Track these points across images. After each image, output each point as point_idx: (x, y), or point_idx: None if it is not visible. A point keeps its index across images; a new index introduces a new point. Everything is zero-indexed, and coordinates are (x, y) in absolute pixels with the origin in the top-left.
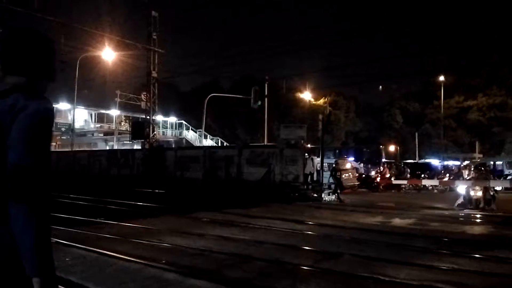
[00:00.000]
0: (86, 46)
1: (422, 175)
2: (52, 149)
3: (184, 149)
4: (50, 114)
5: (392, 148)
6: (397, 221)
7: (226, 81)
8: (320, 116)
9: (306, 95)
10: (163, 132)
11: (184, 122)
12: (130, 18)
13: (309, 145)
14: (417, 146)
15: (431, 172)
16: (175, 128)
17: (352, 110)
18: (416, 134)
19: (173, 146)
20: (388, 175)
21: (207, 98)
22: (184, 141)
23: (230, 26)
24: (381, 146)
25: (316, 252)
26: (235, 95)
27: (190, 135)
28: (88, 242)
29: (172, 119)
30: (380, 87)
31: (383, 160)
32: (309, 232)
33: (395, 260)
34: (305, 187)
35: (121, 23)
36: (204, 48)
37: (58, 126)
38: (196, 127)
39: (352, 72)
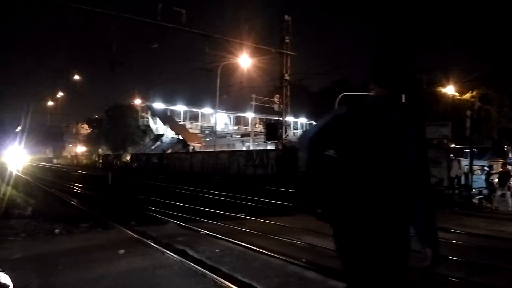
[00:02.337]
0: (226, 55)
1: None
2: (198, 149)
3: None
4: (424, 124)
5: None
6: None
7: (357, 78)
8: (468, 112)
9: (449, 89)
10: (294, 133)
11: (314, 122)
12: (264, 24)
13: (454, 145)
14: None
15: None
16: (305, 129)
17: (506, 105)
18: None
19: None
20: None
21: (338, 98)
22: None
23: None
24: None
25: (466, 263)
26: (367, 93)
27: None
28: (233, 236)
29: (302, 119)
30: None
31: None
32: (457, 242)
33: None
34: (450, 191)
35: (257, 30)
36: (334, 47)
37: (203, 129)
38: None
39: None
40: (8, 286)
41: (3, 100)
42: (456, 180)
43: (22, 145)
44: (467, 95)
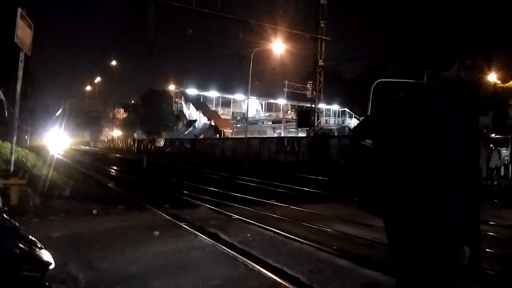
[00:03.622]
0: (260, 40)
1: None
2: (229, 135)
3: (348, 137)
4: (478, 111)
5: None
6: None
7: (393, 65)
8: (511, 101)
9: (491, 77)
10: (326, 120)
11: (347, 110)
12: (299, 9)
13: (494, 135)
14: None
15: None
16: (338, 116)
17: None
18: None
19: (336, 134)
20: None
21: (374, 85)
22: (346, 129)
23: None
24: None
25: (503, 256)
26: (403, 80)
27: (353, 122)
28: (264, 221)
29: (335, 107)
30: None
31: None
32: (495, 234)
33: None
34: (489, 182)
35: (291, 15)
36: (371, 33)
37: (234, 115)
38: (359, 115)
39: None
40: (51, 263)
41: (44, 85)
42: (495, 171)
43: (63, 128)
44: (511, 83)
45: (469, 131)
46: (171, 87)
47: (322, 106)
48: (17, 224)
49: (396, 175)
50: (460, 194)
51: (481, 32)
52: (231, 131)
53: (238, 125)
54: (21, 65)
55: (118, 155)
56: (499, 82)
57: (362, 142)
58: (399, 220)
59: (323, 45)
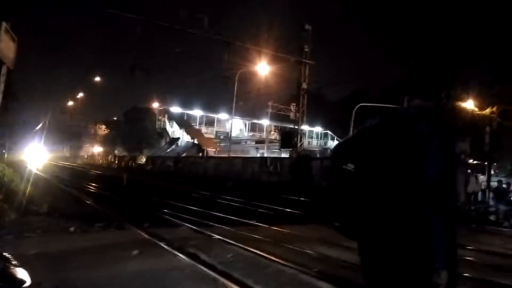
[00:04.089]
0: (245, 62)
1: None
2: (212, 154)
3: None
4: (455, 140)
5: None
6: None
7: (375, 90)
8: (488, 128)
9: (469, 104)
10: (309, 141)
11: (329, 132)
12: (284, 32)
13: (472, 161)
14: None
15: None
16: (320, 138)
17: None
18: None
19: (318, 155)
20: None
21: (356, 108)
22: (328, 151)
23: (380, 33)
24: None
25: (480, 281)
26: (384, 105)
27: (334, 145)
28: (245, 242)
29: (318, 129)
30: None
31: None
32: (471, 258)
33: None
34: (467, 207)
35: (276, 38)
36: (356, 57)
37: (218, 134)
38: (341, 137)
39: None
40: (25, 281)
41: (24, 99)
42: (473, 196)
43: (42, 144)
44: (487, 111)
45: (447, 160)
46: (155, 105)
47: (305, 127)
48: None
49: (381, 200)
50: (439, 221)
51: (459, 62)
52: (214, 150)
53: (221, 144)
54: (2, 78)
55: (98, 172)
56: (476, 109)
57: (343, 166)
58: (380, 243)
59: (307, 69)
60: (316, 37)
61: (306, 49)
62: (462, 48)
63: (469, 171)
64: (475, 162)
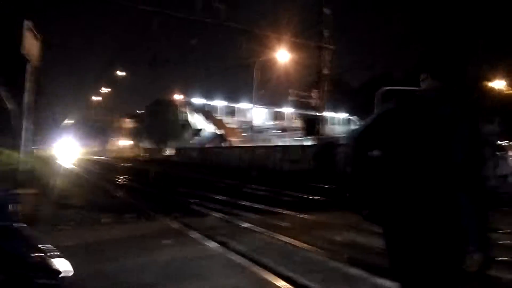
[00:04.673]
0: (264, 49)
1: None
2: (236, 144)
3: None
4: (479, 121)
5: None
6: None
7: (400, 72)
8: None
9: (498, 83)
10: (332, 128)
11: (352, 118)
12: (303, 18)
13: (504, 143)
14: None
15: None
16: (344, 124)
17: None
18: None
19: (341, 142)
20: None
21: (380, 92)
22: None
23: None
24: None
25: None
26: (409, 87)
27: (351, 131)
28: (273, 229)
29: (341, 115)
30: None
31: None
32: (506, 242)
33: None
34: (499, 191)
35: (295, 24)
36: (377, 41)
37: (240, 124)
38: None
39: None
40: (70, 271)
41: (50, 96)
42: (504, 178)
43: (72, 138)
44: None
45: (474, 143)
46: (177, 97)
47: (328, 114)
48: (30, 233)
49: (409, 185)
50: (469, 204)
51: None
52: (237, 139)
53: (244, 134)
54: (28, 76)
55: (125, 165)
56: (505, 88)
57: (368, 153)
58: (409, 228)
59: (326, 54)
60: (336, 21)
61: (325, 34)
62: (488, 26)
63: (498, 153)
64: (506, 143)
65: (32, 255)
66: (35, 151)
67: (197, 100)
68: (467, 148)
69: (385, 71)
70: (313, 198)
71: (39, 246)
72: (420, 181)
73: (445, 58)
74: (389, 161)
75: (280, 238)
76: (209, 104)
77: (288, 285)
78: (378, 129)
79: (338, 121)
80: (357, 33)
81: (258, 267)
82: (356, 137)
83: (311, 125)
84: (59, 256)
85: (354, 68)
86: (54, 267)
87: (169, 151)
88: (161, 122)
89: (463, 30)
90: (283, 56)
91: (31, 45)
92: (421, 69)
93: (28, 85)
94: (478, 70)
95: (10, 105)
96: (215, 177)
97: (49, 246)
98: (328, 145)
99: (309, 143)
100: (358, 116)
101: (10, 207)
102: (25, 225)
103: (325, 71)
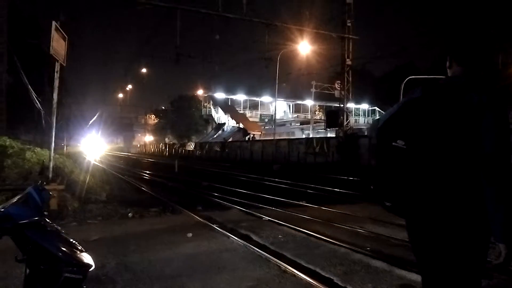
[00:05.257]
0: (286, 42)
1: None
2: (258, 137)
3: None
4: (507, 109)
5: None
6: None
7: (423, 61)
8: None
9: None
10: (355, 119)
11: (377, 108)
12: (324, 9)
13: None
14: None
15: None
16: (367, 115)
17: None
18: None
19: (365, 133)
20: None
21: (404, 82)
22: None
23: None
24: None
25: None
26: (434, 76)
27: (374, 121)
28: (295, 223)
29: (364, 106)
30: None
31: None
32: None
33: None
34: None
35: (317, 15)
36: (400, 30)
37: (262, 117)
38: None
39: None
40: (91, 265)
41: (77, 94)
42: None
43: (98, 135)
44: None
45: (502, 132)
46: (200, 92)
47: (351, 105)
48: (58, 227)
49: (436, 175)
50: (495, 194)
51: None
52: (259, 133)
53: (266, 127)
54: (56, 75)
55: (150, 160)
56: None
57: (393, 144)
58: (435, 220)
59: (350, 44)
60: (358, 10)
61: (348, 24)
62: None
63: None
64: None
65: (62, 249)
66: (64, 148)
67: (220, 95)
68: (494, 138)
69: (409, 61)
70: (337, 190)
71: (67, 240)
72: (446, 171)
73: (472, 44)
74: (414, 151)
75: (303, 231)
76: (232, 99)
77: (308, 279)
78: (403, 119)
79: (362, 112)
80: (380, 23)
81: (280, 260)
82: (380, 127)
83: (334, 117)
84: (81, 250)
85: (378, 57)
86: (83, 261)
87: (192, 146)
88: (184, 117)
89: (490, 16)
90: (305, 48)
91: (59, 45)
92: (447, 55)
93: (56, 84)
94: (506, 56)
95: (39, 104)
96: (238, 171)
97: (71, 240)
98: (351, 137)
99: (333, 135)
100: (382, 107)
101: (39, 202)
102: (54, 219)
103: (349, 62)
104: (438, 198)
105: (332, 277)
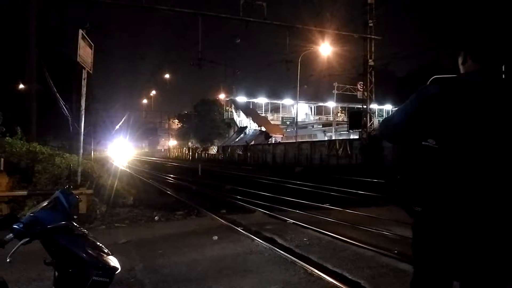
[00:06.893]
0: (306, 44)
1: None
2: (280, 140)
3: None
4: None
5: None
6: None
7: (448, 60)
8: None
9: None
10: (379, 120)
11: None
12: (346, 10)
13: None
14: None
15: None
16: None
17: None
18: None
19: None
20: None
21: (429, 81)
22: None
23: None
24: None
25: None
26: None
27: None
28: (320, 226)
29: (388, 107)
30: None
31: None
32: None
33: None
34: None
35: (338, 16)
36: (423, 29)
37: (284, 120)
38: None
39: None
40: (118, 268)
41: (104, 100)
42: None
43: (125, 140)
44: None
45: None
46: (222, 96)
47: (374, 106)
48: (86, 231)
49: (483, 179)
50: None
51: None
52: (281, 136)
53: (288, 130)
54: (84, 82)
55: (174, 164)
56: None
57: (423, 143)
58: (478, 227)
59: (372, 45)
60: (380, 9)
61: (370, 24)
62: None
63: None
64: None
65: (89, 252)
66: (92, 153)
67: (241, 99)
68: None
69: (433, 60)
70: (362, 193)
71: (94, 243)
72: (493, 174)
73: (489, 40)
74: (452, 151)
75: (328, 234)
76: (253, 102)
77: (335, 282)
78: (428, 116)
79: (385, 113)
80: (403, 22)
81: (306, 263)
82: (401, 126)
83: (357, 118)
84: (108, 254)
85: (401, 57)
86: (110, 264)
87: (214, 150)
88: (206, 121)
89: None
90: (326, 49)
91: (85, 53)
92: (461, 51)
93: (83, 91)
94: None
95: (67, 111)
96: (260, 174)
97: (99, 243)
98: (375, 138)
99: (356, 137)
100: None
101: (67, 206)
102: (83, 223)
103: (371, 62)
104: (482, 203)
105: (359, 281)
